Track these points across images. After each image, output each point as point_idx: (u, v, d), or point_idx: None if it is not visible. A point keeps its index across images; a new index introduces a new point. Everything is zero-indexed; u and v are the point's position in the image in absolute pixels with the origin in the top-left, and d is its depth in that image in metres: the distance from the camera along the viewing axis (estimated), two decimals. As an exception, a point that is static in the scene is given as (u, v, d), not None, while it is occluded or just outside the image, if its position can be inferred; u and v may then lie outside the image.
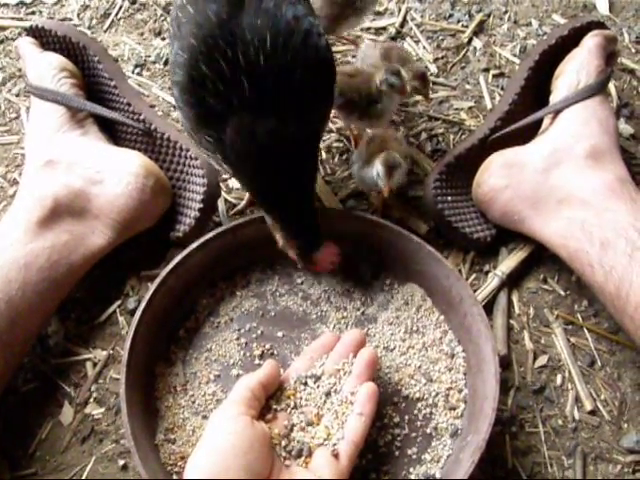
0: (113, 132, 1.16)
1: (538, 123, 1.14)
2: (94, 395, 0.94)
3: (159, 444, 0.85)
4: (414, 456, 0.86)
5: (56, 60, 1.14)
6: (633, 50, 1.44)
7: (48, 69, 1.12)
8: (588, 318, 1.02)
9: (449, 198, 1.08)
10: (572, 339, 1.00)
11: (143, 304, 0.90)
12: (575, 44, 1.16)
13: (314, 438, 0.78)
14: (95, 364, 0.97)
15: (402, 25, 1.45)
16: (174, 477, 0.83)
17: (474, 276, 1.06)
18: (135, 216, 1.02)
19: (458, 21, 1.45)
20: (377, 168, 0.99)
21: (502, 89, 1.32)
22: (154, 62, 1.38)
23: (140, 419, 0.84)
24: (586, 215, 0.95)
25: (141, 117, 1.11)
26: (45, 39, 1.19)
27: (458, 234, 1.06)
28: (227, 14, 0.82)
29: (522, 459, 0.89)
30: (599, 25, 1.18)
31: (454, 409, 0.89)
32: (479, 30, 1.45)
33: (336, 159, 1.21)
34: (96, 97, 1.16)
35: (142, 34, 1.44)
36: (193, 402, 0.89)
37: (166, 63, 1.36)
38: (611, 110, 1.10)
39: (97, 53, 1.16)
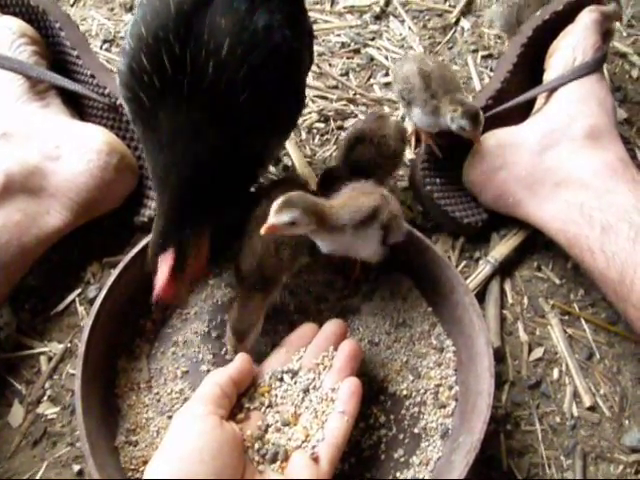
0: (78, 107, 1.08)
1: (531, 103, 1.09)
2: (48, 393, 0.87)
3: (119, 447, 0.79)
4: (401, 459, 0.80)
5: (15, 25, 1.06)
6: (625, 34, 1.41)
7: (7, 34, 1.04)
8: (585, 308, 0.98)
9: (438, 180, 1.03)
10: (569, 330, 0.96)
11: (104, 292, 0.83)
12: (570, 20, 1.11)
13: (291, 440, 0.72)
14: (50, 358, 0.90)
15: (387, 4, 1.40)
16: (134, 484, 0.75)
17: (464, 263, 1.02)
18: (96, 196, 0.95)
19: (445, 0, 1.40)
20: (460, 122, 0.97)
21: (491, 70, 1.29)
22: (124, 38, 1.30)
23: (98, 419, 0.78)
24: (586, 197, 0.91)
25: (106, 91, 1.04)
26: (2, 2, 1.11)
27: (447, 218, 1.01)
28: (190, 5, 0.73)
29: (518, 460, 0.85)
30: (595, 0, 1.13)
31: (444, 407, 0.84)
32: (467, 10, 1.41)
33: (317, 140, 1.16)
34: (58, 67, 1.08)
35: (112, 9, 1.38)
36: (158, 400, 0.83)
37: None
38: (608, 88, 1.06)
39: (59, 19, 1.08)
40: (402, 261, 0.93)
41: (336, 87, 1.24)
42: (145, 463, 0.77)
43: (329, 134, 1.16)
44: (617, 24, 1.36)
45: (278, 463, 0.70)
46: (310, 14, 1.36)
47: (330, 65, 1.28)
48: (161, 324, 0.90)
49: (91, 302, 0.93)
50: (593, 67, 1.03)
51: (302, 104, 0.88)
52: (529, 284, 1.00)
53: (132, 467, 0.77)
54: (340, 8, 1.39)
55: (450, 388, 0.85)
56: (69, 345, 0.91)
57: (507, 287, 0.99)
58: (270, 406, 0.75)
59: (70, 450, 0.83)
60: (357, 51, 1.31)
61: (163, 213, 0.77)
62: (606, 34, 1.10)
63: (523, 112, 1.08)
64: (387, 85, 1.25)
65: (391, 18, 1.39)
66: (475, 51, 1.32)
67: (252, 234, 0.81)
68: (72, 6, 1.36)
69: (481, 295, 0.97)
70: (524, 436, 0.86)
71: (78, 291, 0.95)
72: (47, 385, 0.87)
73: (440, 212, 1.01)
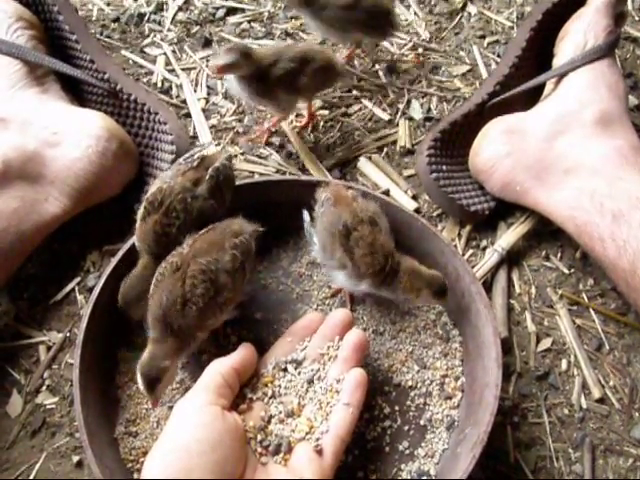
0: (77, 92, 1.06)
1: (540, 88, 1.07)
2: (47, 383, 0.85)
3: (118, 438, 0.78)
4: (406, 451, 0.79)
5: (12, 8, 1.04)
6: (637, 18, 1.38)
7: (3, 18, 1.02)
8: (594, 298, 0.96)
9: (444, 167, 1.01)
10: (577, 320, 0.94)
11: (103, 280, 0.82)
12: (581, 3, 1.09)
13: (294, 432, 0.70)
14: (49, 348, 0.88)
15: (393, -11, 1.37)
16: (134, 476, 0.74)
17: (471, 252, 0.99)
18: (95, 183, 0.93)
19: (451, -15, 1.37)
20: None
21: (498, 56, 1.26)
22: (126, 24, 1.29)
23: (97, 409, 0.76)
24: (596, 185, 0.89)
25: (105, 76, 1.02)
26: None
27: (454, 206, 0.99)
28: None
29: (525, 452, 0.82)
30: (607, -18, 1.10)
31: (450, 398, 0.82)
32: None
33: (320, 126, 1.13)
34: (56, 52, 1.06)
35: None
36: None
37: (137, 25, 1.28)
38: (620, 73, 1.03)
39: (57, 3, 1.06)
40: (407, 249, 0.90)
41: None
42: (145, 454, 0.75)
43: (333, 121, 1.14)
44: (629, 7, 1.34)
45: (281, 455, 0.68)
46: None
47: (334, 51, 1.26)
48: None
49: (90, 291, 0.91)
50: (605, 51, 1.00)
51: None
52: (537, 273, 0.98)
53: (132, 458, 0.76)
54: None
55: (456, 379, 0.83)
56: (68, 334, 0.89)
57: (515, 276, 0.97)
58: (273, 397, 0.74)
59: (69, 440, 0.81)
60: (362, 36, 1.29)
61: None
62: (619, 17, 1.07)
63: (532, 98, 1.05)
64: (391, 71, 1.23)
65: (397, 3, 1.37)
66: (482, 37, 1.30)
67: (161, 280, 0.75)
68: (72, -9, 1.35)
69: (488, 284, 0.95)
70: (532, 428, 0.84)
71: (77, 280, 0.93)
72: (46, 375, 0.86)
73: (446, 199, 0.99)
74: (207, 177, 0.83)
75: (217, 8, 1.32)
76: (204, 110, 1.14)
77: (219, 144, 1.09)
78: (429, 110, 1.16)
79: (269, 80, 0.97)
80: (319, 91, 1.08)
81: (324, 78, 1.04)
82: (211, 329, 0.78)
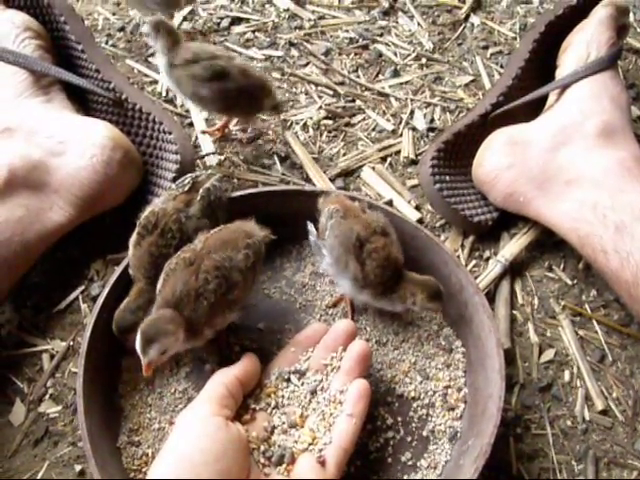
0: (83, 101, 1.07)
1: (543, 100, 1.07)
2: (50, 391, 0.85)
3: (121, 447, 0.77)
4: (409, 462, 0.78)
5: (19, 18, 1.04)
6: (639, 29, 1.38)
7: (10, 28, 1.03)
8: (597, 309, 0.96)
9: (447, 178, 1.01)
10: (580, 332, 0.93)
11: (107, 289, 0.82)
12: (584, 15, 1.09)
13: (297, 442, 0.70)
14: (52, 356, 0.88)
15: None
16: (137, 485, 0.73)
17: (473, 263, 0.99)
18: (100, 192, 0.93)
19: (454, -4, 1.38)
20: None
21: (501, 67, 1.27)
22: (131, 33, 1.30)
23: (100, 418, 0.76)
24: (599, 196, 0.89)
25: (111, 85, 1.02)
26: None
27: (457, 217, 0.99)
28: None
29: (528, 464, 0.82)
30: (610, -6, 1.11)
31: (453, 410, 0.82)
32: (477, 6, 1.41)
33: (324, 137, 1.14)
34: (62, 61, 1.07)
35: (118, 4, 1.38)
36: (161, 400, 0.81)
37: (142, 34, 1.29)
38: (623, 85, 1.03)
39: (63, 13, 1.06)
40: (411, 260, 0.90)
41: (344, 83, 1.23)
42: (147, 463, 0.75)
43: (337, 131, 1.14)
44: (631, 19, 1.35)
45: (284, 466, 0.68)
46: (318, 10, 1.36)
47: (338, 61, 1.26)
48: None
49: (94, 300, 0.91)
50: (607, 63, 1.01)
51: None
52: (540, 284, 0.97)
53: (134, 467, 0.75)
54: (348, 3, 1.39)
55: (459, 390, 0.83)
56: (72, 343, 0.88)
57: (517, 287, 0.97)
58: (276, 407, 0.73)
59: (72, 450, 0.80)
60: (365, 47, 1.30)
61: None
62: (621, 29, 1.07)
63: (534, 109, 1.06)
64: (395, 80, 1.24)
65: (400, 14, 1.38)
66: (485, 47, 1.31)
67: (172, 274, 0.75)
68: (78, 1, 1.36)
69: (491, 295, 0.95)
70: (534, 440, 0.84)
71: (81, 288, 0.93)
72: (49, 383, 0.85)
73: (449, 210, 0.99)
74: (198, 198, 0.84)
75: (222, 18, 1.33)
76: (207, 119, 1.14)
77: (221, 153, 1.09)
78: (432, 120, 1.17)
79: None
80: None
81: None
82: (217, 328, 0.78)
